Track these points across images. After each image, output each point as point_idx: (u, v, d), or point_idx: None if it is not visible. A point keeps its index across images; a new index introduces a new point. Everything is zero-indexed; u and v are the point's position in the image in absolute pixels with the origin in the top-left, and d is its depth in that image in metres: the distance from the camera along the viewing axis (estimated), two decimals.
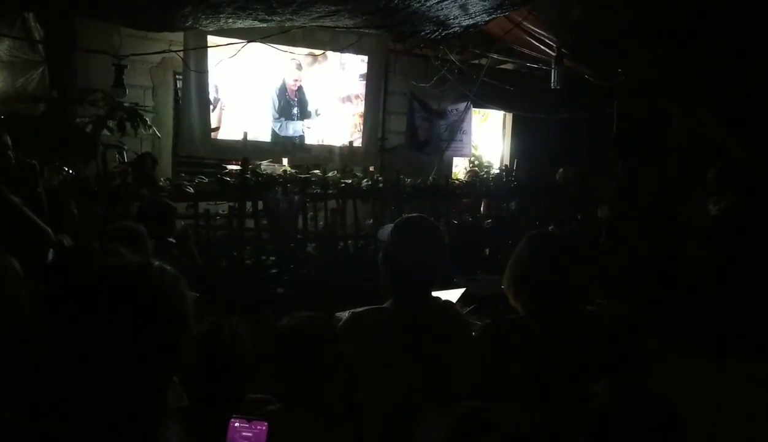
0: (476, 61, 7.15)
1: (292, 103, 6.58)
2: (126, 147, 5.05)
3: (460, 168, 8.26)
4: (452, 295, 3.18)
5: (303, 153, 6.65)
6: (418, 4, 4.07)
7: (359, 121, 7.01)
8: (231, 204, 4.93)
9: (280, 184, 4.99)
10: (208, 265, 4.48)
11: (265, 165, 5.87)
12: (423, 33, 4.95)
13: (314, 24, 4.68)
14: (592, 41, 5.39)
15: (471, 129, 7.91)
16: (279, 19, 4.36)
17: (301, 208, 5.08)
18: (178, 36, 5.63)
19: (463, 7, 4.22)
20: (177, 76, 6.27)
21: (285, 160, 6.49)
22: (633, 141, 6.50)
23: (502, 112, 8.70)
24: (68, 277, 1.53)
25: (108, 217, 4.12)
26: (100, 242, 1.87)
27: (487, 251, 6.07)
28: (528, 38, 5.86)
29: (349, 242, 5.40)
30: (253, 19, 4.34)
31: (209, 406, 1.68)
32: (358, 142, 7.02)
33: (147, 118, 5.07)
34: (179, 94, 6.24)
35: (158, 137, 5.86)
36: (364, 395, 1.88)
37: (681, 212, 5.83)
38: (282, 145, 6.56)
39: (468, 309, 3.25)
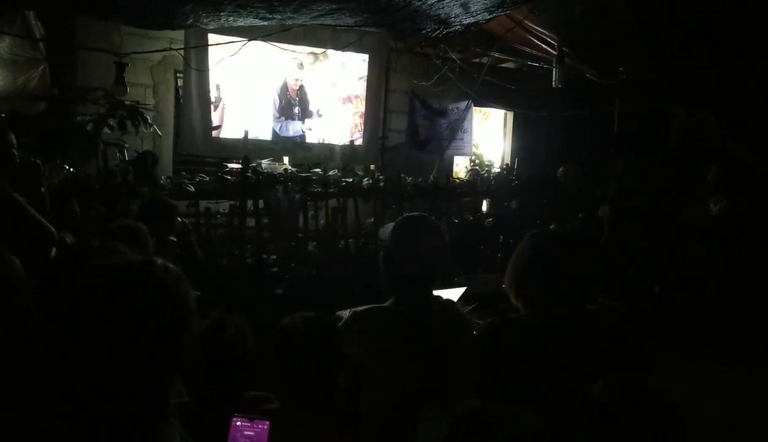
0: (477, 60, 7.15)
1: (293, 103, 6.57)
2: (127, 145, 5.05)
3: (461, 167, 8.26)
4: (453, 294, 3.19)
5: (304, 152, 6.64)
6: (419, 3, 4.06)
7: (360, 120, 7.00)
8: (232, 203, 4.94)
9: (281, 182, 4.99)
10: (209, 263, 4.49)
11: (266, 164, 5.87)
12: (424, 31, 4.94)
13: (315, 22, 4.68)
14: (593, 40, 5.38)
15: (472, 128, 7.90)
16: (280, 17, 4.36)
17: (302, 206, 5.08)
18: (179, 34, 5.63)
19: (464, 6, 4.22)
20: (178, 75, 6.27)
21: (286, 159, 6.49)
22: (634, 140, 6.49)
23: (503, 111, 8.69)
24: (71, 275, 1.53)
25: (109, 215, 4.12)
26: (101, 240, 1.87)
27: (488, 250, 6.07)
28: (529, 37, 5.86)
29: (350, 240, 5.41)
30: (254, 18, 4.34)
31: (210, 402, 1.68)
32: (359, 141, 7.02)
33: (148, 117, 5.06)
34: (180, 92, 6.24)
35: (159, 136, 5.86)
36: (365, 394, 1.89)
37: (681, 212, 5.83)
38: (283, 144, 6.56)
39: (469, 308, 3.26)
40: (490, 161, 8.12)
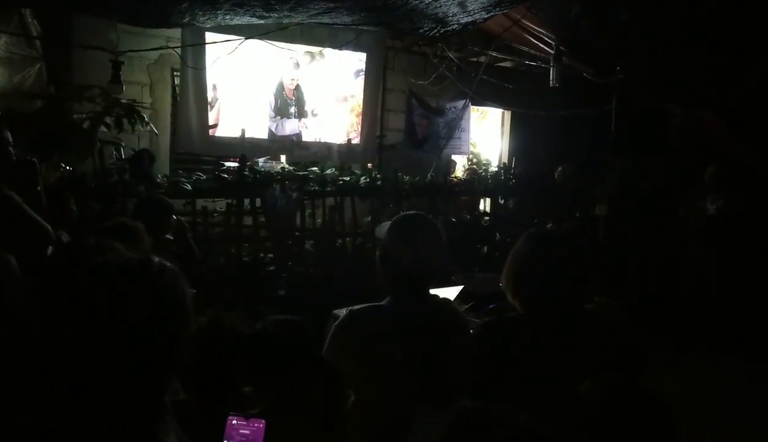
0: (475, 59, 7.14)
1: (289, 103, 6.57)
2: (123, 144, 5.04)
3: (458, 165, 8.26)
4: (450, 293, 3.19)
5: (301, 150, 6.64)
6: (416, 1, 4.06)
7: (356, 120, 7.00)
8: (229, 201, 4.93)
9: (278, 181, 4.98)
10: (206, 262, 4.48)
11: (263, 162, 5.86)
12: (421, 30, 4.94)
13: (312, 21, 4.68)
14: (591, 39, 5.38)
15: (469, 127, 7.91)
16: (276, 15, 4.35)
17: (299, 205, 5.07)
18: (176, 33, 5.62)
19: (462, 5, 4.22)
20: (175, 73, 6.26)
21: (283, 158, 6.48)
22: (632, 139, 6.50)
23: (500, 110, 8.69)
24: (67, 274, 1.52)
25: (105, 213, 4.11)
26: (97, 238, 1.86)
27: (486, 248, 6.08)
28: (526, 36, 5.86)
29: (347, 239, 5.40)
30: (250, 16, 4.34)
31: (206, 400, 1.67)
32: (356, 140, 7.02)
33: (144, 115, 5.05)
34: (177, 90, 6.23)
35: (156, 134, 5.85)
36: (358, 395, 1.88)
37: (679, 211, 5.84)
38: (280, 143, 6.55)
39: (466, 307, 3.25)
40: (487, 160, 8.12)
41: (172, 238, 3.60)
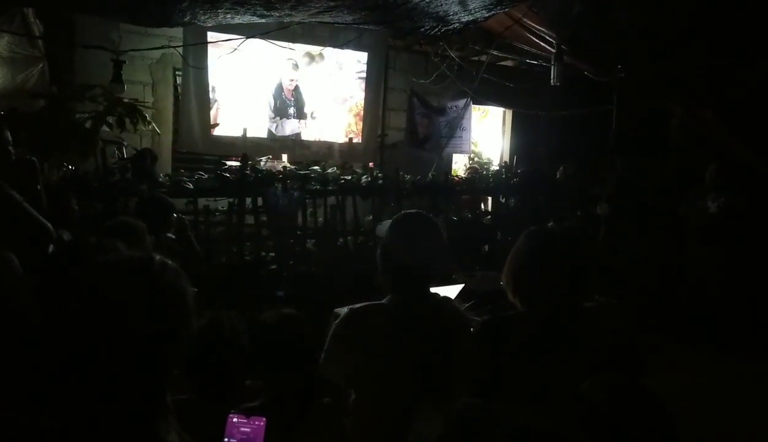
0: (476, 58, 7.14)
1: (288, 104, 6.57)
2: (125, 143, 5.05)
3: (459, 165, 8.26)
4: (451, 291, 3.19)
5: (302, 149, 6.65)
6: (417, 0, 4.06)
7: (355, 120, 7.00)
8: (230, 200, 4.93)
9: (280, 180, 4.98)
10: (207, 261, 4.49)
11: (264, 161, 5.86)
12: (422, 29, 4.94)
13: (313, 20, 4.68)
14: (592, 38, 5.38)
15: (471, 126, 7.91)
16: (277, 14, 4.36)
17: (301, 204, 5.08)
18: (178, 32, 5.63)
19: (463, 3, 4.22)
20: (177, 73, 6.27)
21: (284, 157, 6.49)
22: (632, 138, 6.50)
23: (501, 109, 8.70)
24: (68, 273, 1.53)
25: (107, 213, 4.12)
26: (98, 237, 1.87)
27: (487, 247, 6.07)
28: (528, 35, 5.86)
29: (349, 238, 5.40)
30: (251, 15, 4.34)
31: (206, 398, 1.68)
32: (357, 139, 7.02)
33: (146, 114, 5.06)
34: (179, 90, 6.24)
35: (158, 133, 5.86)
36: (358, 393, 1.89)
37: (679, 210, 5.84)
38: (281, 142, 6.56)
39: (467, 305, 3.25)
40: (488, 159, 8.11)
41: (173, 236, 3.61)
